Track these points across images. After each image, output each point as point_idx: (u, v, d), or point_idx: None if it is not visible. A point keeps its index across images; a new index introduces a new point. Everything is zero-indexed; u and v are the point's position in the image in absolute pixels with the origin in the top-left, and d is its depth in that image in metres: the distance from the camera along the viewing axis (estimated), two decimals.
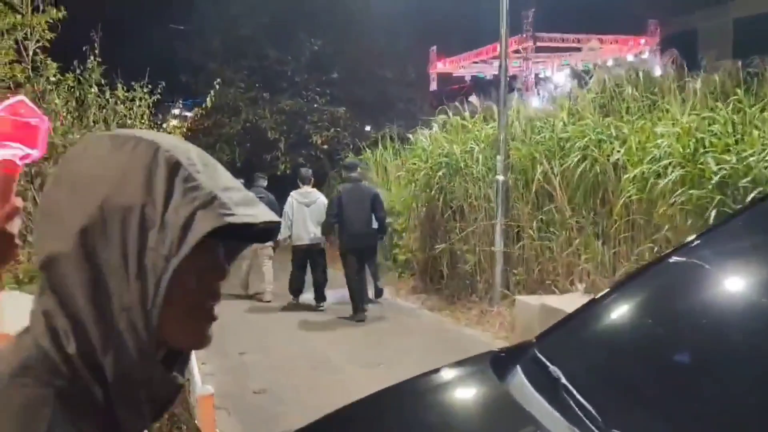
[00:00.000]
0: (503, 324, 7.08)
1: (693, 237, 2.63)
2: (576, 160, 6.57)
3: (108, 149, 0.71)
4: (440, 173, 8.38)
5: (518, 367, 2.28)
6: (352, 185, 7.87)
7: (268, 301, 8.74)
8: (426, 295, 8.78)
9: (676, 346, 2.25)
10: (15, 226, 1.11)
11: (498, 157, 7.48)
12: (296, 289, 8.59)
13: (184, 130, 8.56)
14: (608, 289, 2.60)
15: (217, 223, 0.68)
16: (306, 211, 8.17)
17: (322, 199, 8.31)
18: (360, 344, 6.79)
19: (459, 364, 2.42)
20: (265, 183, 9.40)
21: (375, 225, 7.75)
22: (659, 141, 5.83)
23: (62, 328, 0.68)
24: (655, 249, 5.84)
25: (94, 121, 6.78)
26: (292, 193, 8.36)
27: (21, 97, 1.12)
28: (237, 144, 15.84)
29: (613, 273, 6.28)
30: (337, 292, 8.40)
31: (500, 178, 7.44)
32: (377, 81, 16.02)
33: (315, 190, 8.49)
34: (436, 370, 2.37)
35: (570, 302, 6.20)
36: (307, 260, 8.35)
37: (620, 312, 2.50)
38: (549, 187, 7.04)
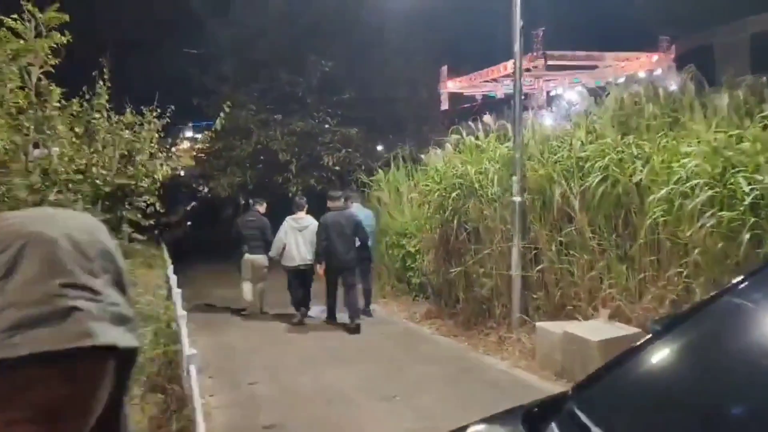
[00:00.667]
0: (523, 351, 6.78)
1: (743, 276, 2.33)
2: (597, 180, 6.28)
3: None
4: (454, 194, 8.14)
5: (553, 426, 2.00)
6: (336, 213, 8.59)
7: (262, 312, 9.59)
8: (441, 321, 8.52)
9: (737, 400, 1.95)
10: None
11: (514, 178, 7.24)
12: (296, 302, 9.18)
13: (194, 153, 8.39)
14: (652, 334, 2.32)
15: None
16: (299, 236, 8.89)
17: (313, 225, 8.80)
18: (375, 373, 6.50)
19: (488, 421, 2.12)
20: (262, 208, 9.83)
21: (358, 243, 8.63)
22: (685, 160, 5.54)
23: None
24: (684, 273, 5.52)
25: (102, 146, 6.63)
26: (287, 218, 9.06)
27: None
28: (248, 166, 15.73)
29: (639, 298, 5.95)
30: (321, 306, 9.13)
31: (517, 198, 7.19)
32: (388, 101, 15.89)
33: (308, 216, 9.04)
34: (464, 429, 2.07)
35: (594, 329, 5.89)
36: (297, 279, 9.06)
37: (670, 360, 2.20)
38: (568, 208, 6.76)
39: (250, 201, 10.53)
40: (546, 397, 2.20)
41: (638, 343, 2.30)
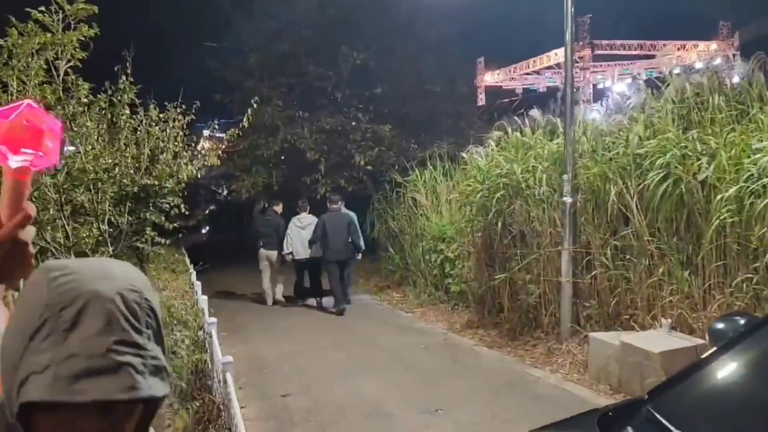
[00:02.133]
0: (574, 363, 6.76)
1: None
2: (657, 178, 6.24)
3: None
4: (498, 195, 8.15)
5: (630, 429, 2.04)
6: (333, 213, 10.72)
7: (280, 302, 11.50)
8: (484, 331, 8.54)
9: None
10: (28, 234, 1.12)
11: (564, 177, 7.22)
12: (302, 292, 11.44)
13: (219, 152, 8.55)
14: (733, 337, 2.33)
15: (35, 397, 0.80)
16: (302, 233, 10.92)
17: (314, 223, 10.78)
18: (414, 386, 6.55)
19: (560, 425, 2.16)
20: (279, 208, 11.80)
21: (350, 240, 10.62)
22: (756, 156, 5.47)
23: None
24: (754, 280, 5.46)
25: (125, 144, 6.81)
26: (292, 219, 11.13)
27: (28, 101, 1.10)
28: (274, 166, 15.91)
29: (704, 307, 5.89)
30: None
31: (567, 199, 7.18)
32: (424, 96, 15.91)
33: (310, 215, 11.12)
34: None
35: (653, 340, 5.85)
36: (304, 270, 11.25)
37: (750, 366, 2.21)
38: (624, 209, 6.73)
39: (265, 204, 12.52)
40: (619, 401, 2.23)
41: (717, 348, 2.32)
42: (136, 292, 0.89)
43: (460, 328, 8.99)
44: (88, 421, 0.85)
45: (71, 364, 0.81)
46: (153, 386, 0.85)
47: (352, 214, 11.28)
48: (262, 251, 11.52)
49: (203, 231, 27.66)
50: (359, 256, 11.15)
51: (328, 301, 10.94)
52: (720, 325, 2.61)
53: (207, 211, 28.44)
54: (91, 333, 0.83)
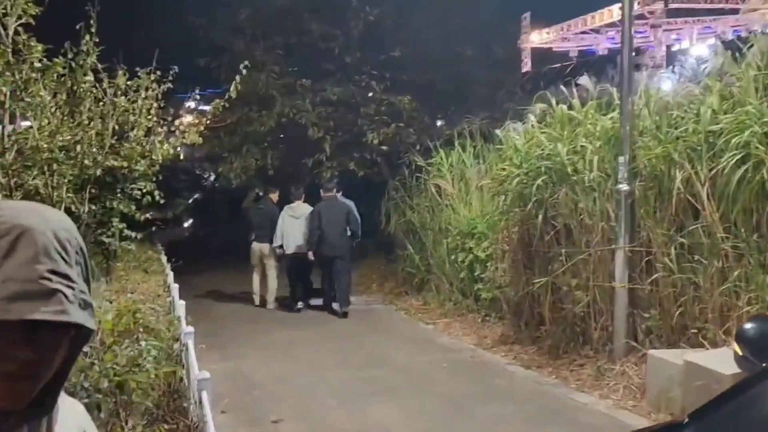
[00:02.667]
0: (629, 388, 6.82)
1: None
2: (733, 161, 6.24)
3: None
4: (539, 181, 8.18)
5: None
6: (329, 202, 11.46)
7: (271, 308, 12.11)
8: (520, 347, 8.61)
9: None
10: None
11: (620, 159, 7.24)
12: (296, 294, 12.05)
13: (202, 128, 8.68)
14: (744, 341, 2.38)
15: None
16: (296, 224, 11.52)
17: (309, 213, 11.47)
18: (434, 413, 6.64)
19: None
20: (275, 196, 12.57)
21: (349, 233, 11.40)
22: None
23: None
24: None
25: (88, 118, 6.95)
26: (284, 208, 11.81)
27: None
28: (269, 146, 16.01)
29: None
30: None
31: (623, 187, 7.20)
32: (452, 61, 15.89)
33: (304, 204, 11.76)
34: None
35: (726, 360, 5.85)
36: (294, 266, 11.81)
37: None
38: (693, 198, 6.74)
39: (259, 193, 13.34)
40: (658, 424, 2.31)
41: (762, 369, 2.38)
42: (67, 231, 1.09)
43: (491, 343, 9.05)
44: (16, 346, 1.02)
45: (6, 287, 0.99)
46: (82, 317, 1.05)
47: (350, 203, 11.85)
48: (255, 245, 12.18)
49: (185, 224, 27.92)
50: (355, 243, 11.92)
51: (316, 301, 11.88)
52: (752, 328, 2.67)
53: (190, 201, 28.68)
54: (25, 260, 1.01)
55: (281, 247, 11.69)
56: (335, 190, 11.74)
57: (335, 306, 11.45)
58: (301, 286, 12.05)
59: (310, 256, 11.32)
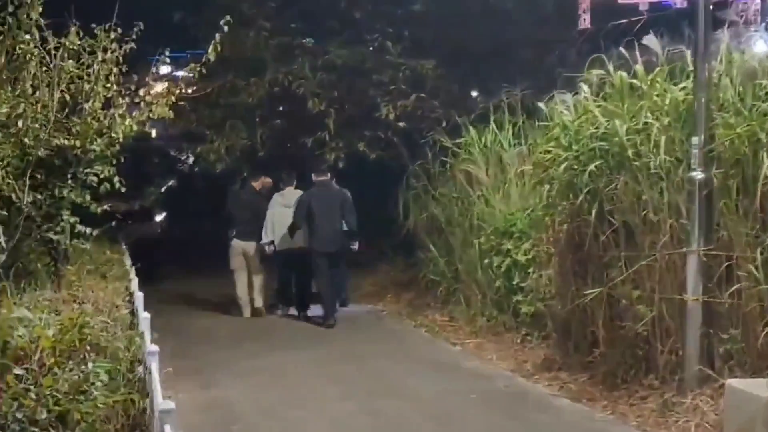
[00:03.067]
0: (703, 426, 6.74)
1: None
2: None
3: None
4: (593, 167, 8.10)
5: None
6: (321, 188, 12.05)
7: (259, 313, 12.66)
8: (568, 374, 8.56)
9: None
10: None
11: (694, 140, 7.17)
12: (288, 298, 12.76)
13: (173, 99, 8.69)
14: None
15: None
16: (288, 214, 11.98)
17: None
18: None
19: None
20: (258, 183, 13.16)
21: (345, 228, 12.03)
22: None
23: None
24: None
25: (31, 87, 6.98)
26: (274, 196, 12.45)
27: None
28: (259, 121, 16.01)
29: None
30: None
31: (698, 175, 7.13)
32: (488, 15, 15.75)
33: (297, 191, 12.29)
34: None
35: None
36: (291, 267, 12.41)
37: None
38: None
39: (252, 172, 13.97)
40: None
41: None
42: None
43: (532, 369, 9.01)
44: None
45: None
46: None
47: (346, 192, 12.38)
48: (236, 243, 12.65)
49: (156, 218, 28.06)
50: (356, 245, 12.43)
51: (315, 310, 12.25)
52: None
53: (163, 189, 28.79)
54: None
55: (272, 243, 12.18)
56: (328, 173, 12.32)
57: (312, 313, 12.26)
58: (297, 290, 12.59)
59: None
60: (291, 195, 12.18)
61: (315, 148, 15.18)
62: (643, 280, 7.78)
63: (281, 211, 12.09)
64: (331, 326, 11.68)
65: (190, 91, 15.21)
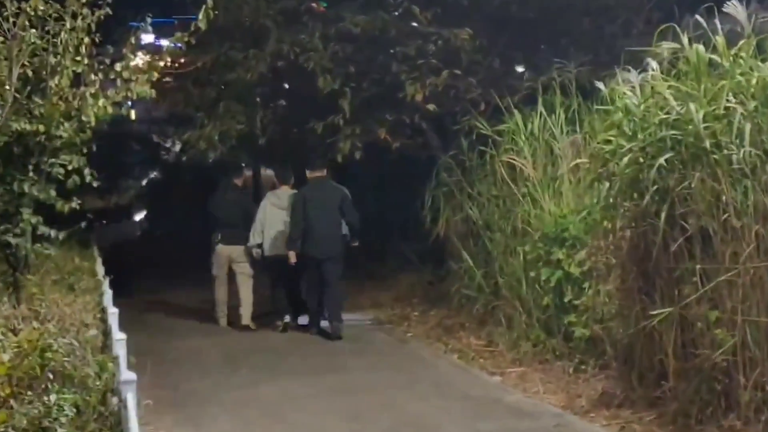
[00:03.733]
0: None
1: None
2: None
3: None
4: (662, 161, 8.07)
5: None
6: (316, 184, 12.84)
7: (249, 328, 13.20)
8: (631, 411, 8.50)
9: None
10: None
11: None
12: (281, 309, 13.16)
13: (155, 74, 8.71)
14: None
15: None
16: (281, 217, 12.65)
17: None
18: None
19: None
20: (240, 180, 14.34)
21: (345, 231, 12.82)
22: None
23: None
24: None
25: None
26: (267, 195, 13.19)
27: None
28: (260, 102, 16.05)
29: None
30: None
31: None
32: None
33: (294, 191, 12.97)
34: None
35: None
36: (282, 272, 12.95)
37: None
38: None
39: (238, 166, 15.61)
40: None
41: None
42: None
43: (587, 405, 8.93)
44: None
45: None
46: None
47: (344, 189, 13.02)
48: (221, 248, 13.36)
49: (135, 217, 28.22)
50: (356, 242, 13.17)
51: (303, 319, 13.04)
52: None
53: (144, 182, 28.92)
54: None
55: (260, 246, 12.82)
56: (324, 168, 13.05)
57: (324, 325, 12.71)
58: (288, 296, 13.18)
59: (292, 257, 12.55)
60: (286, 195, 12.85)
61: (326, 135, 15.07)
62: (722, 299, 7.71)
63: (273, 212, 12.75)
64: (339, 338, 12.30)
65: (176, 65, 15.32)
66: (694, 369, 7.95)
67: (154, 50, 13.08)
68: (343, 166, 14.15)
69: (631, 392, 8.73)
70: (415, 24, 15.24)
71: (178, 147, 24.40)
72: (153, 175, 28.30)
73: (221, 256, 13.08)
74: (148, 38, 15.53)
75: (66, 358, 5.56)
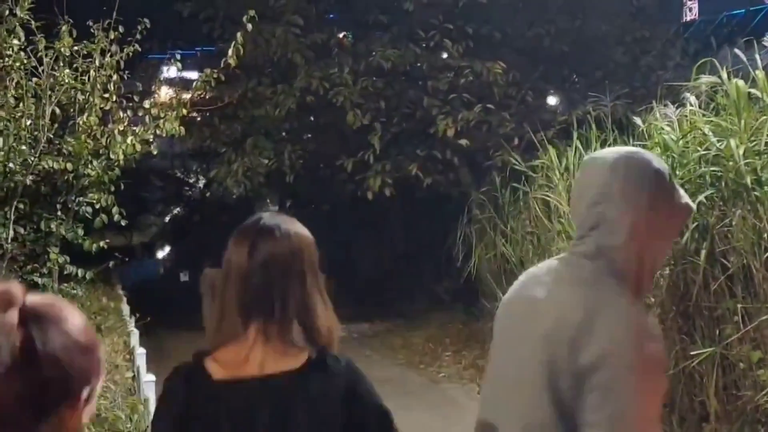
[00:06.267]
0: None
1: None
2: None
3: None
4: (702, 198, 8.11)
5: None
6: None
7: None
8: None
9: None
10: None
11: None
12: None
13: (183, 111, 8.81)
14: None
15: None
16: None
17: None
18: None
19: None
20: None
21: None
22: None
23: None
24: None
25: (14, 98, 7.14)
26: None
27: None
28: (288, 138, 16.12)
29: None
30: None
31: None
32: (570, 9, 15.83)
33: None
34: None
35: None
36: None
37: None
38: None
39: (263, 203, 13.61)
40: None
41: None
42: None
43: None
44: None
45: None
46: None
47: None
48: None
49: (158, 254, 28.23)
50: None
51: None
52: None
53: (167, 218, 28.95)
54: None
55: None
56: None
57: None
58: None
59: None
60: None
61: (356, 172, 15.18)
62: (765, 339, 7.71)
63: None
64: None
65: (203, 99, 15.47)
66: (737, 411, 7.94)
67: (180, 83, 13.27)
68: (372, 203, 14.17)
69: None
70: (446, 57, 15.34)
71: (201, 183, 24.53)
72: (175, 211, 28.32)
73: None
74: (173, 71, 15.74)
75: (100, 402, 5.65)
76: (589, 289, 2.66)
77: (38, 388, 1.69)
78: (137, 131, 8.56)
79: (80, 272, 8.45)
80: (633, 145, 10.31)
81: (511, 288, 3.09)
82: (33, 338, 1.66)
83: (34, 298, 1.73)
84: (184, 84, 14.57)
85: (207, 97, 14.15)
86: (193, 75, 15.66)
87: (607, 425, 2.49)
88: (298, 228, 2.88)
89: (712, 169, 8.15)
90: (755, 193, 7.78)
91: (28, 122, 7.45)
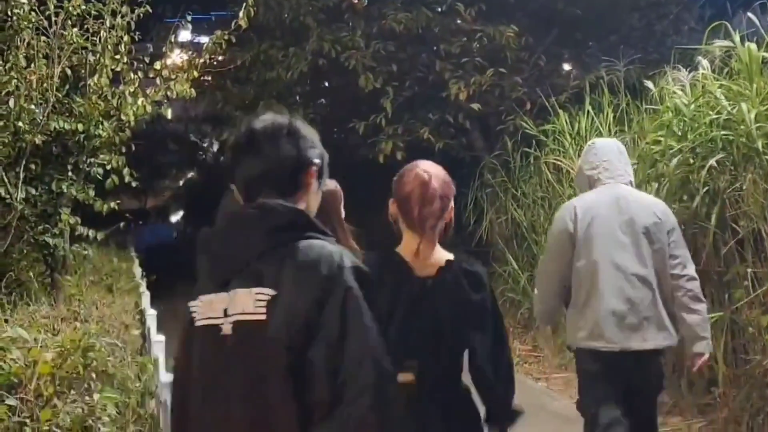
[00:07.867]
0: None
1: None
2: None
3: None
4: (713, 162, 8.07)
5: None
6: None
7: None
8: (680, 419, 8.45)
9: None
10: None
11: None
12: None
13: (194, 73, 8.80)
14: None
15: None
16: None
17: None
18: None
19: None
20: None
21: None
22: None
23: None
24: None
25: (25, 58, 7.15)
26: None
27: None
28: (300, 101, 16.07)
29: None
30: None
31: None
32: None
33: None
34: None
35: None
36: None
37: None
38: None
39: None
40: None
41: None
42: None
43: None
44: None
45: None
46: None
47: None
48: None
49: (171, 218, 28.27)
50: None
51: None
52: None
53: (181, 182, 28.95)
54: None
55: None
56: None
57: None
58: None
59: None
60: None
61: (368, 135, 15.14)
62: None
63: None
64: None
65: (215, 63, 15.42)
66: (745, 375, 7.93)
67: (192, 47, 13.22)
68: (384, 166, 14.10)
69: (680, 399, 8.70)
70: (459, 21, 15.24)
71: (215, 146, 24.52)
72: (189, 174, 28.30)
73: None
74: (185, 35, 15.69)
75: (108, 358, 5.65)
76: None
77: None
78: (149, 93, 8.56)
79: (91, 233, 8.47)
80: (645, 110, 10.36)
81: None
82: None
83: None
84: (196, 48, 14.51)
85: (219, 59, 14.16)
86: (206, 40, 15.58)
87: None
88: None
89: (723, 133, 8.10)
90: (766, 157, 7.73)
91: (38, 83, 7.45)
